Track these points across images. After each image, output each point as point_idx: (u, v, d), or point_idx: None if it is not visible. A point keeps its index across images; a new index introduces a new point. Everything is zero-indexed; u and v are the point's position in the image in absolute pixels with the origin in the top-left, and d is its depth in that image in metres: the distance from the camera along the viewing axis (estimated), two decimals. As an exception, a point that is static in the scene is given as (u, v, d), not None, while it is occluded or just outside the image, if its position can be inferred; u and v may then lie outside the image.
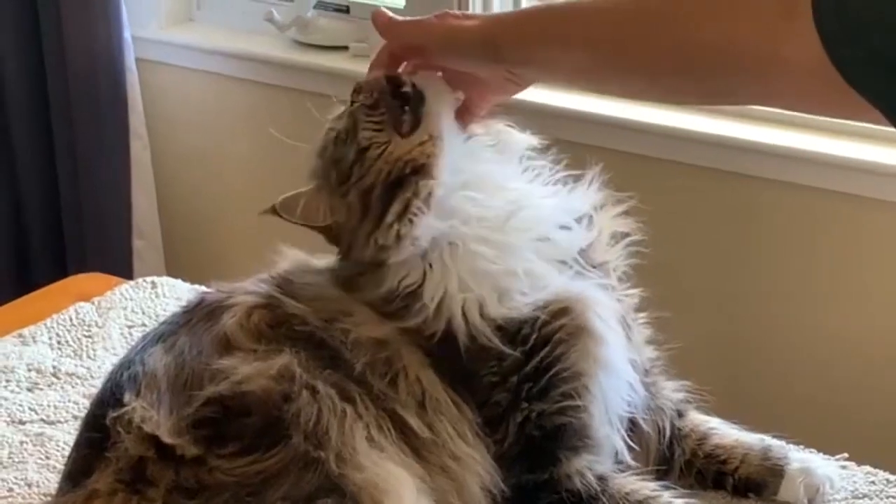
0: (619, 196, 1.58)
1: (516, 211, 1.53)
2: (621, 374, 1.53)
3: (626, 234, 1.59)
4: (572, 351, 1.49)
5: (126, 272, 2.78)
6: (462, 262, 1.51)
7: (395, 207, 1.49)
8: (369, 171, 1.51)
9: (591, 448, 1.51)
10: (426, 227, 1.50)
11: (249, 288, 1.56)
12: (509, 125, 1.60)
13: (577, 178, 1.58)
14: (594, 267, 1.55)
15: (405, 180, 1.50)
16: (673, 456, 1.61)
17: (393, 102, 1.52)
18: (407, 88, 1.52)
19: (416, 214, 1.49)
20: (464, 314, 1.49)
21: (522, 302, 1.49)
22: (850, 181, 2.22)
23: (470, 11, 2.55)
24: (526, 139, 1.60)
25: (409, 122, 1.51)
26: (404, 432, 1.47)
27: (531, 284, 1.50)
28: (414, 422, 1.47)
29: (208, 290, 1.63)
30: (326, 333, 1.50)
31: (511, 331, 1.49)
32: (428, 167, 1.50)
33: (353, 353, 1.49)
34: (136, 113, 2.88)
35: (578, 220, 1.56)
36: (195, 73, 2.91)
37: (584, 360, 1.49)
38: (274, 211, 1.57)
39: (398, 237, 1.49)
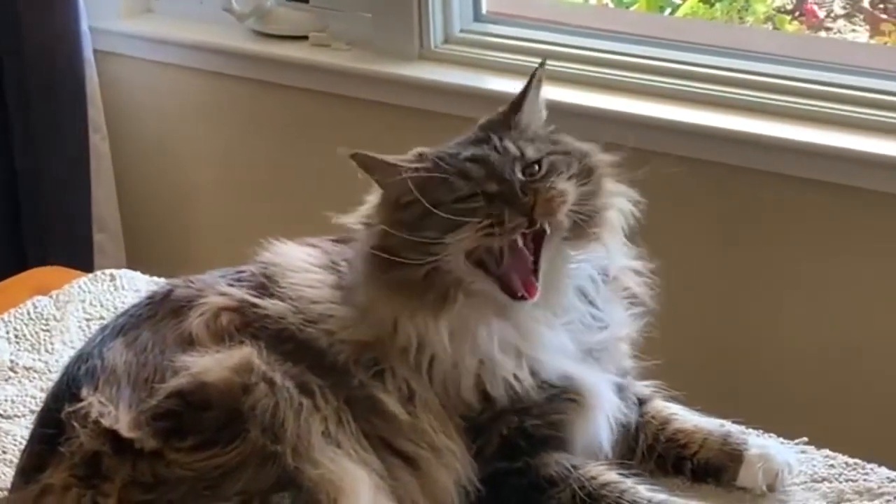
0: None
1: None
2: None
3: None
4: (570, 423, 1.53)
5: (87, 266, 2.75)
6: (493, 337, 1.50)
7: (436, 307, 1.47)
8: (435, 284, 1.47)
9: (568, 450, 1.53)
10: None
11: (222, 288, 1.54)
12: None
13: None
14: (608, 363, 1.58)
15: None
16: (637, 442, 1.62)
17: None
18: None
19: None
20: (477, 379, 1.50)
21: (536, 379, 1.51)
22: (852, 173, 2.20)
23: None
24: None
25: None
26: (373, 422, 1.47)
27: (549, 365, 1.52)
28: (395, 407, 1.48)
29: (177, 281, 1.60)
30: (301, 331, 1.49)
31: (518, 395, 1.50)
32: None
33: (334, 349, 1.49)
34: (94, 105, 2.86)
35: (602, 325, 1.57)
36: (154, 65, 2.89)
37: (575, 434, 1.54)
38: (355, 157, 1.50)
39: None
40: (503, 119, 1.56)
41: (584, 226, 1.49)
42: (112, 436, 1.40)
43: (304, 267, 1.57)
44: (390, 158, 1.51)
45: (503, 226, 1.43)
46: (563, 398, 1.52)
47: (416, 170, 1.49)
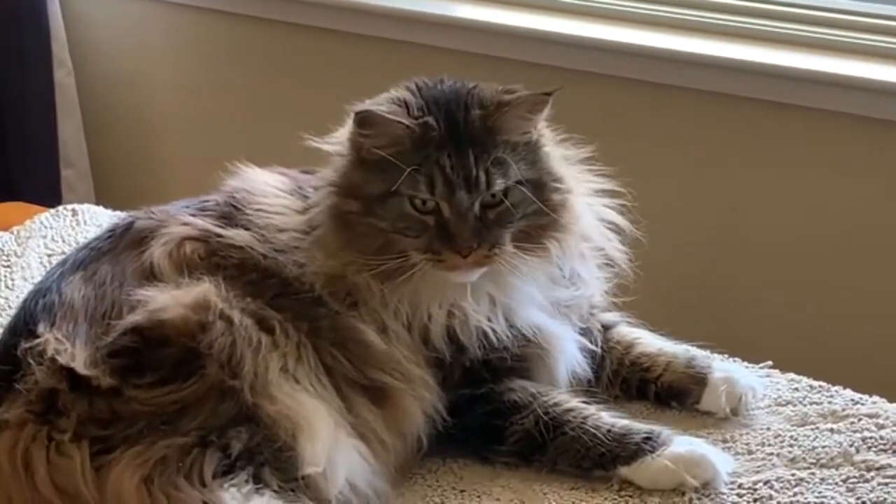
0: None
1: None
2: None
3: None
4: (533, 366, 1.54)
5: (55, 202, 2.73)
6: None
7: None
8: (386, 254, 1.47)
9: (531, 379, 1.54)
10: None
11: (185, 218, 1.52)
12: None
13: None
14: (573, 318, 1.58)
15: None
16: (603, 368, 1.62)
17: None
18: None
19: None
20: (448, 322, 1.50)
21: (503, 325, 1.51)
22: (820, 96, 2.19)
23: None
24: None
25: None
26: (345, 353, 1.46)
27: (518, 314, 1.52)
28: (372, 336, 1.47)
29: (139, 213, 1.58)
30: (267, 258, 1.48)
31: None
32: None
33: (304, 279, 1.48)
34: (58, 39, 2.82)
35: (571, 281, 1.57)
36: (119, -4, 2.86)
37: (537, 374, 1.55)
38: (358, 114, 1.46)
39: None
40: (485, 124, 1.48)
41: (530, 252, 1.49)
42: (68, 373, 1.39)
43: (271, 192, 1.56)
44: (394, 117, 1.46)
45: (442, 263, 1.45)
46: (529, 346, 1.52)
47: (408, 128, 1.46)
